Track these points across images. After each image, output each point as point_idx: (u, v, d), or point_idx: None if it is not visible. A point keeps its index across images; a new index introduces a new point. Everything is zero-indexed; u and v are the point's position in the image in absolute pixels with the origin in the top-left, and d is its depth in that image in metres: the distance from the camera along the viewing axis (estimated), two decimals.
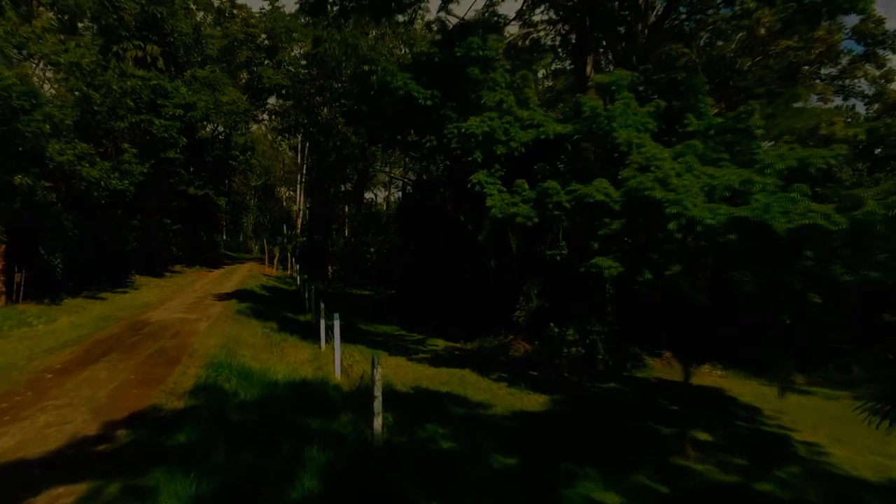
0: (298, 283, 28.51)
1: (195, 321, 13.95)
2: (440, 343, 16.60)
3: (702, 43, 21.85)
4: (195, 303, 17.88)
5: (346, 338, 15.51)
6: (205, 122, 29.22)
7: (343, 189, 43.17)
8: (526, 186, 10.49)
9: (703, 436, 8.32)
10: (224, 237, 66.29)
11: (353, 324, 18.35)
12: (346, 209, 45.16)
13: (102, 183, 15.66)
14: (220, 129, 33.36)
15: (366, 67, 11.02)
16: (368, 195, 54.77)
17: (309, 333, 14.53)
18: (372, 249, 41.75)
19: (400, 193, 55.55)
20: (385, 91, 11.36)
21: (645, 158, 9.65)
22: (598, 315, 14.13)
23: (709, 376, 14.99)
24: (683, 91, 11.80)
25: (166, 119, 20.83)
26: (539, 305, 13.89)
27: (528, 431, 7.79)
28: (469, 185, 10.62)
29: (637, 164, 9.62)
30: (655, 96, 12.51)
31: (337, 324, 9.99)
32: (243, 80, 36.85)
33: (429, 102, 11.23)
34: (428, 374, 11.39)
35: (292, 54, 33.62)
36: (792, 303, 7.48)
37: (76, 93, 16.47)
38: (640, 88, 12.21)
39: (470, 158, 10.70)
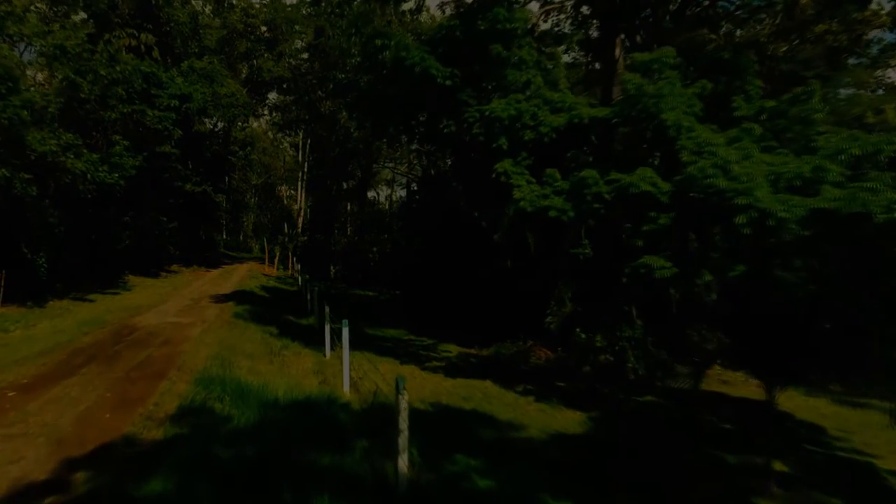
0: (300, 283, 27.34)
1: (188, 326, 12.77)
2: (453, 349, 15.42)
3: (724, 31, 20.67)
4: (190, 305, 16.69)
5: (352, 343, 14.30)
6: (203, 118, 28.11)
7: (345, 187, 42.02)
8: (558, 176, 9.32)
9: (775, 464, 7.12)
10: (224, 236, 65.20)
11: (358, 327, 17.16)
12: (349, 207, 44.01)
13: (89, 176, 14.49)
14: (220, 124, 32.17)
15: (378, 42, 9.85)
16: (370, 194, 53.63)
17: (312, 339, 13.38)
18: (374, 249, 40.66)
19: (404, 191, 54.52)
20: (399, 69, 10.17)
21: (696, 144, 8.46)
22: (629, 320, 12.94)
23: (743, 385, 13.83)
24: (729, 72, 10.58)
25: (160, 110, 19.64)
26: (572, 310, 12.68)
27: (574, 462, 6.60)
28: (494, 175, 9.45)
29: (687, 149, 8.42)
30: (688, 81, 11.35)
31: (346, 332, 8.81)
32: (243, 74, 35.69)
33: (448, 82, 10.05)
34: (446, 387, 10.20)
35: (294, 46, 32.40)
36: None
37: (61, 79, 15.29)
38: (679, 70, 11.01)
39: (494, 146, 9.53)
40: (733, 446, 7.44)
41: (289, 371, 9.67)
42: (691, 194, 8.19)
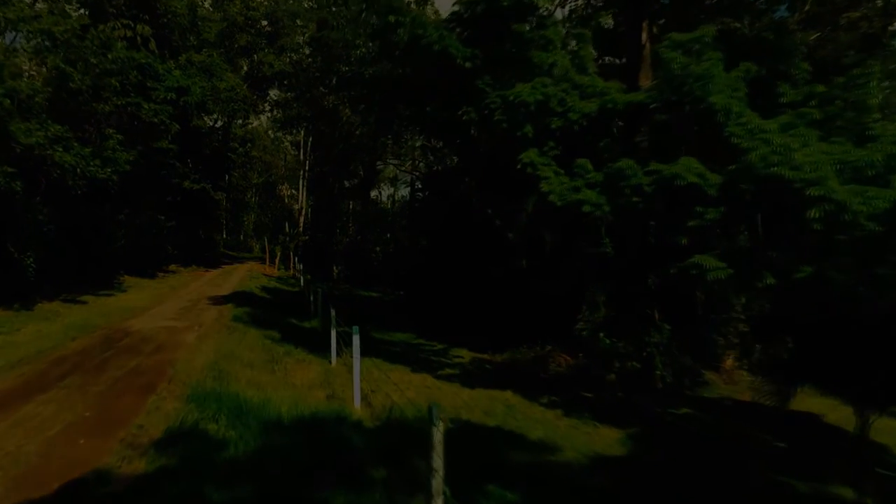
0: (302, 283, 26.48)
1: (184, 330, 11.89)
2: (465, 354, 14.54)
3: (746, 21, 19.77)
4: (187, 307, 15.82)
5: (359, 348, 13.50)
6: (202, 113, 27.23)
7: (347, 185, 41.15)
8: (590, 167, 8.43)
9: (846, 492, 6.24)
10: (224, 236, 64.39)
11: (364, 331, 16.22)
12: (351, 206, 43.13)
13: (79, 170, 13.61)
14: (220, 121, 31.31)
15: (392, 18, 8.96)
16: (373, 193, 52.74)
17: (317, 344, 12.51)
18: (377, 248, 39.75)
19: (407, 191, 53.62)
20: (414, 49, 9.29)
21: (748, 130, 7.57)
22: (655, 324, 12.05)
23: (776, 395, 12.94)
24: (772, 55, 9.68)
25: (157, 103, 18.77)
26: (607, 315, 11.77)
27: (623, 493, 5.72)
28: (518, 167, 8.56)
29: (738, 136, 7.53)
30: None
31: (356, 341, 7.95)
32: (244, 70, 34.82)
33: (468, 64, 9.17)
34: (465, 399, 9.32)
35: (295, 41, 31.50)
36: None
37: (50, 68, 14.42)
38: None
39: (519, 133, 8.64)
40: (800, 471, 6.55)
41: (293, 381, 8.79)
42: (743, 186, 7.30)
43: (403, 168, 37.06)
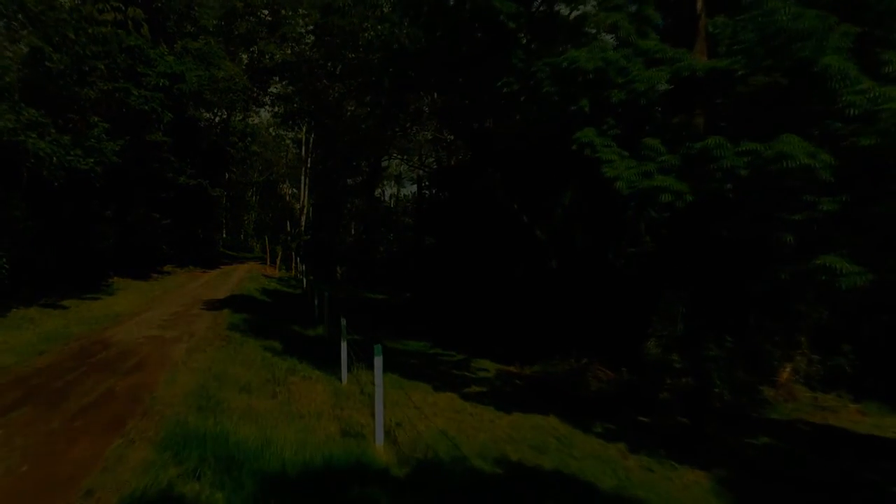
0: (304, 285, 24.95)
1: (172, 342, 10.35)
2: (489, 366, 12.98)
3: None
4: (178, 313, 14.27)
5: (371, 361, 11.95)
6: (199, 107, 25.72)
7: (350, 183, 39.65)
8: (662, 148, 6.86)
9: None
10: (224, 235, 62.96)
11: (376, 339, 14.75)
12: (354, 204, 41.63)
13: (55, 159, 12.07)
14: (218, 115, 29.79)
15: None
16: (375, 192, 51.21)
17: (324, 357, 10.99)
18: (381, 248, 38.28)
19: (410, 189, 52.07)
20: (441, 9, 7.74)
21: (868, 99, 6.00)
22: (716, 335, 10.49)
23: (843, 411, 11.39)
24: (873, 16, 8.11)
25: (148, 90, 17.23)
26: (688, 328, 10.16)
27: None
28: (574, 148, 7.01)
29: (857, 106, 5.98)
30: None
31: (379, 364, 6.41)
32: (244, 62, 33.29)
33: (512, 24, 7.63)
34: (504, 429, 7.75)
35: (298, 30, 29.96)
36: None
37: (26, 46, 12.90)
38: None
39: (573, 108, 7.09)
40: None
41: (298, 409, 7.23)
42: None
43: (412, 163, 35.52)
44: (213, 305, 15.91)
